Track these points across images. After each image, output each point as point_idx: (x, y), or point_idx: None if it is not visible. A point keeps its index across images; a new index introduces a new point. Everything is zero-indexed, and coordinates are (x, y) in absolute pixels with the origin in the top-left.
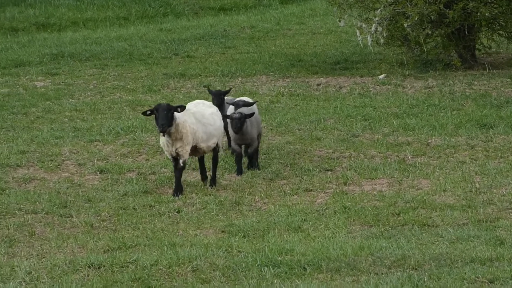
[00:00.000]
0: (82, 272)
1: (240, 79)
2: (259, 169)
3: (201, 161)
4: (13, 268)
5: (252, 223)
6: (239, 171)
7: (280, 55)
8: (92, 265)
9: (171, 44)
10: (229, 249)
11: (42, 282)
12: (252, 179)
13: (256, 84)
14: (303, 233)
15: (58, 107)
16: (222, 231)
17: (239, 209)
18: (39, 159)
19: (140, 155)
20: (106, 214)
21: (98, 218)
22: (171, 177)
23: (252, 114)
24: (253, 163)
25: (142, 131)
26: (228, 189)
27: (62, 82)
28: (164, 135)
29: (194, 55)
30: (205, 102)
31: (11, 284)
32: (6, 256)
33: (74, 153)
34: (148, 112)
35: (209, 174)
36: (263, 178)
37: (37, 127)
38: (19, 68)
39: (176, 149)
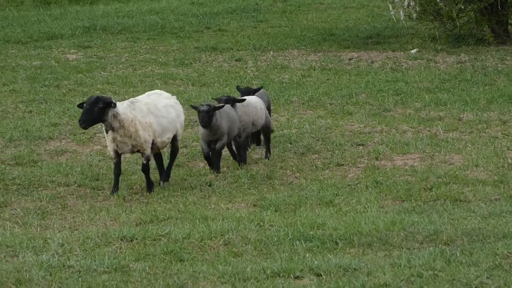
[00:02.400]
0: (114, 244)
1: (271, 53)
2: (218, 172)
3: (159, 159)
4: (46, 240)
5: (283, 197)
6: (216, 168)
7: (312, 29)
8: (124, 238)
9: (203, 17)
10: (261, 223)
11: (74, 254)
12: (283, 153)
13: (287, 58)
14: (335, 207)
15: (90, 80)
16: (254, 205)
17: (270, 183)
18: (71, 132)
19: None
20: (138, 187)
21: (130, 191)
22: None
23: (222, 106)
24: (214, 163)
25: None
26: (259, 163)
27: (94, 55)
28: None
29: (226, 28)
30: (163, 93)
31: (44, 256)
32: (39, 228)
33: None
34: (84, 105)
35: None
36: (295, 153)
37: (69, 99)
38: (51, 41)
39: (133, 147)
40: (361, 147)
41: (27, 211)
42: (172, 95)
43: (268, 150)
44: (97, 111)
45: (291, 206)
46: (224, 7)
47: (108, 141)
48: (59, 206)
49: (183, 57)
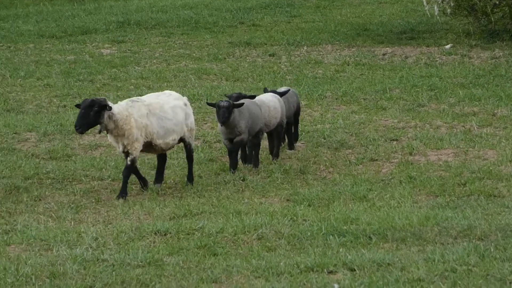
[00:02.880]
0: (148, 238)
1: (305, 48)
2: (233, 172)
3: (160, 161)
4: (80, 234)
5: (317, 192)
6: (232, 165)
7: (346, 24)
8: (158, 232)
9: (236, 12)
10: (294, 217)
11: (108, 248)
12: (317, 148)
13: (321, 53)
14: (369, 202)
15: (124, 75)
16: (287, 200)
17: (304, 178)
18: None
19: (205, 123)
20: (172, 181)
21: (164, 185)
22: None
23: (242, 104)
24: (233, 159)
25: (207, 99)
26: (293, 158)
27: (128, 49)
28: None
29: (260, 23)
30: (172, 93)
31: (78, 250)
32: (73, 222)
33: None
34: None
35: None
36: (328, 148)
37: (103, 94)
38: (85, 36)
39: (124, 147)
40: (395, 142)
41: (61, 205)
42: (183, 95)
43: (276, 151)
44: (92, 115)
45: (324, 201)
46: (258, 2)
47: (112, 142)
48: (93, 200)
49: (217, 52)
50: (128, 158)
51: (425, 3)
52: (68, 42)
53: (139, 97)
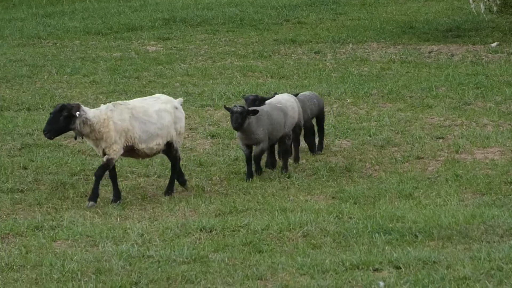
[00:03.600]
0: (193, 235)
1: (350, 45)
2: (258, 173)
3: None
4: (125, 231)
5: (363, 190)
6: (248, 174)
7: (392, 22)
8: (203, 229)
9: (282, 10)
10: (340, 215)
11: (154, 244)
12: (363, 146)
13: (367, 51)
14: (414, 200)
15: (170, 72)
16: (333, 197)
17: (349, 175)
18: None
19: None
20: (218, 178)
21: (210, 182)
22: None
23: (257, 111)
24: (257, 165)
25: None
26: (338, 155)
27: (174, 47)
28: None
29: (305, 21)
30: (162, 96)
31: (123, 246)
32: (119, 218)
33: (186, 118)
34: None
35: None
36: (374, 145)
37: (149, 91)
38: (131, 33)
39: (103, 150)
40: (441, 140)
41: (107, 201)
42: (177, 98)
43: (295, 154)
44: (62, 120)
45: (370, 198)
46: (303, 0)
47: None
48: (139, 197)
49: (262, 50)
50: (104, 158)
51: (471, 1)
52: (114, 39)
53: (125, 101)
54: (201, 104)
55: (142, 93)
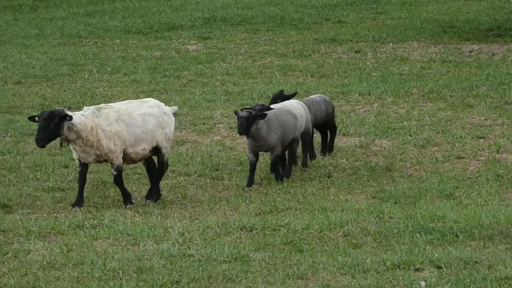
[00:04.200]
0: (234, 234)
1: (391, 45)
2: (282, 180)
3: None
4: (166, 229)
5: (403, 190)
6: (249, 181)
7: (432, 21)
8: (244, 228)
9: (322, 9)
10: (381, 215)
11: (194, 243)
12: (403, 145)
13: (407, 50)
14: (455, 200)
15: (210, 71)
16: (373, 197)
17: (390, 175)
18: (191, 122)
19: None
20: (258, 177)
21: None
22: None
23: (265, 115)
24: (276, 172)
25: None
26: (379, 155)
27: (214, 46)
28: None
29: (345, 20)
30: (151, 101)
31: (164, 245)
32: (159, 217)
33: (226, 117)
34: (36, 118)
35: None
36: (415, 145)
37: (189, 90)
38: (171, 32)
39: (98, 157)
40: (481, 140)
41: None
42: (173, 106)
43: (288, 168)
44: (53, 127)
45: (410, 198)
46: None
47: (72, 151)
48: (180, 196)
49: (302, 49)
50: (112, 169)
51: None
52: (154, 38)
53: (108, 104)
54: (241, 103)
55: (182, 92)
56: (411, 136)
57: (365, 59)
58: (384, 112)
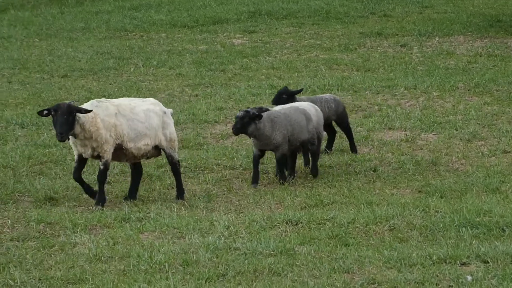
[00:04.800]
0: (279, 228)
1: (437, 39)
2: (285, 181)
3: (134, 175)
4: (212, 223)
5: (449, 184)
6: (254, 178)
7: (478, 15)
8: (289, 221)
9: (368, 3)
10: (426, 209)
11: (240, 236)
12: (449, 139)
13: (453, 44)
14: (502, 194)
15: (255, 65)
16: (419, 191)
17: (436, 169)
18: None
19: None
20: (303, 171)
21: (295, 175)
22: (367, 136)
23: (261, 116)
24: (280, 171)
25: (338, 90)
26: (424, 149)
27: (259, 40)
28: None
29: (391, 14)
30: (151, 99)
31: (210, 238)
32: (205, 210)
33: None
34: (45, 112)
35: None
36: (460, 139)
37: (234, 84)
38: (216, 26)
39: (94, 150)
40: None
41: (193, 194)
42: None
43: (313, 167)
44: (71, 120)
45: (456, 192)
46: None
47: (72, 146)
48: (225, 189)
49: (347, 43)
50: (100, 163)
51: None
52: (200, 32)
53: (108, 99)
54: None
55: (227, 86)
56: (457, 130)
57: (411, 53)
58: (430, 106)
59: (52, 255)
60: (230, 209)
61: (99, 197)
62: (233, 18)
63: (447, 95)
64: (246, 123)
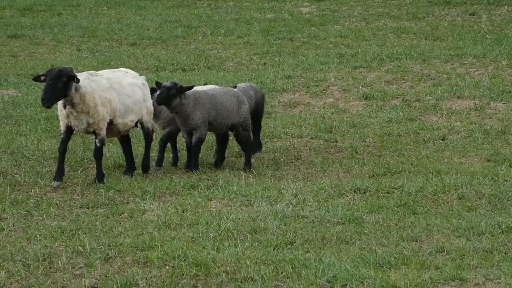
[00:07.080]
0: (347, 196)
1: (506, 7)
2: (189, 171)
3: (125, 146)
4: (280, 191)
5: None
6: (193, 165)
7: None
8: (357, 190)
9: None
10: (495, 177)
11: (308, 205)
12: None
13: None
14: None
15: (323, 33)
16: (488, 160)
17: (505, 138)
18: (304, 84)
19: (405, 82)
20: (371, 140)
21: (363, 143)
22: (435, 105)
23: (191, 87)
24: (189, 158)
25: (406, 58)
26: (493, 118)
27: (327, 8)
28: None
29: None
30: (129, 71)
31: (278, 206)
32: (273, 178)
33: (339, 79)
34: (42, 78)
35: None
36: None
37: (302, 52)
38: None
39: (89, 125)
40: None
41: (261, 162)
42: (141, 75)
43: (246, 161)
44: (61, 86)
45: None
46: None
47: (61, 116)
48: (293, 157)
49: (416, 11)
50: (96, 140)
51: None
52: (268, 0)
53: (93, 71)
54: (354, 66)
55: (295, 54)
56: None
57: (480, 22)
58: (499, 75)
59: (121, 222)
60: (298, 177)
61: (97, 174)
62: None
63: None
64: (172, 95)
